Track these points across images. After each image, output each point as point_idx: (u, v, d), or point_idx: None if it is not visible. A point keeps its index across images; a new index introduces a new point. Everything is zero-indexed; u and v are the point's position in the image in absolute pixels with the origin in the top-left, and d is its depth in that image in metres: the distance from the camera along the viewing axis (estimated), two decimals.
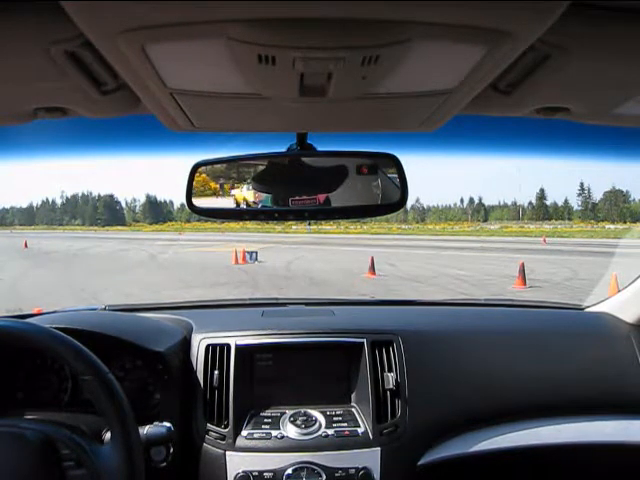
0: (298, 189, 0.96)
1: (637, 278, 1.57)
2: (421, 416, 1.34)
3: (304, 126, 0.87)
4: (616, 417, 1.41)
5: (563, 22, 0.47)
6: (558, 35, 0.52)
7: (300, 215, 0.99)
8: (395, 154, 0.96)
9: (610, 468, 1.46)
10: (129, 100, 0.69)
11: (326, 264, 13.19)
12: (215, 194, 0.99)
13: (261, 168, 0.99)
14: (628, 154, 1.53)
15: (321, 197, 0.96)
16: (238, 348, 1.36)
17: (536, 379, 1.44)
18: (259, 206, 0.99)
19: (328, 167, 0.99)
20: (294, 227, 37.86)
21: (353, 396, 1.37)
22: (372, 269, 10.75)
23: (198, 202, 0.99)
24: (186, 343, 1.40)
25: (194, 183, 0.98)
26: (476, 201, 59.35)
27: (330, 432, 1.28)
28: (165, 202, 60.67)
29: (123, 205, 59.25)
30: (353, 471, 1.24)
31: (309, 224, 38.70)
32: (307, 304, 1.80)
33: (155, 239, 26.34)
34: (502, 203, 57.71)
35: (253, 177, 0.99)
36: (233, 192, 0.98)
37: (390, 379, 1.33)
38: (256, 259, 14.01)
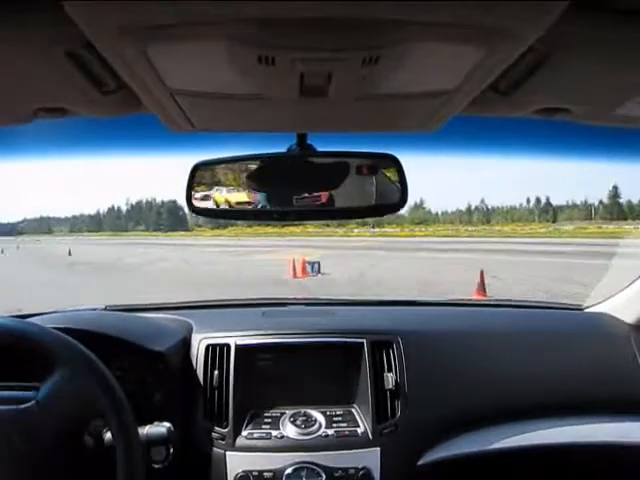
0: (298, 190, 0.96)
1: (637, 278, 1.57)
2: (421, 416, 1.34)
3: (304, 126, 0.87)
4: (616, 417, 1.41)
5: (563, 22, 0.47)
6: (558, 35, 0.51)
7: (300, 215, 0.99)
8: (395, 154, 0.96)
9: (610, 468, 1.46)
10: (130, 100, 0.69)
11: (407, 276, 10.48)
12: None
13: (261, 168, 0.99)
14: None
15: (322, 197, 0.96)
16: (238, 348, 1.36)
17: (536, 379, 1.44)
18: (258, 206, 0.99)
19: (328, 168, 0.99)
20: (356, 230, 35.78)
21: (353, 396, 1.37)
22: (482, 288, 7.67)
23: (198, 203, 0.99)
24: (186, 343, 1.40)
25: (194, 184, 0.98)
26: (543, 201, 55.22)
27: (330, 432, 1.28)
28: None
29: (186, 211, 59.13)
30: (353, 471, 1.23)
31: (373, 227, 36.22)
32: (307, 304, 1.80)
33: (208, 245, 24.33)
34: (571, 203, 53.29)
35: (252, 177, 0.99)
36: (211, 193, 0.99)
37: (390, 379, 1.33)
38: (319, 271, 11.64)
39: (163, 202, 57.21)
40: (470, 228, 43.29)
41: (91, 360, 0.97)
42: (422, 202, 53.89)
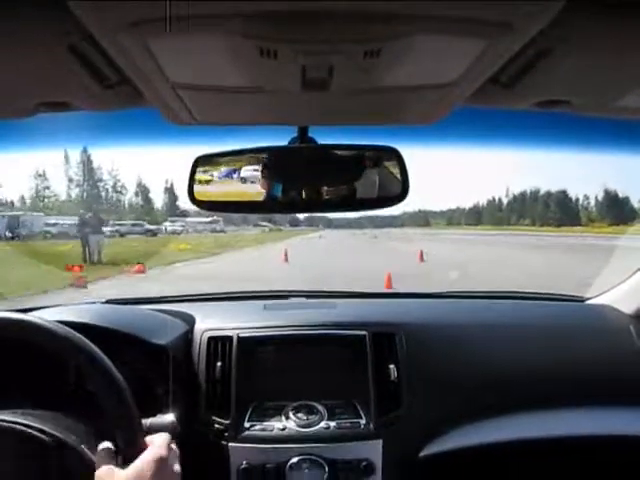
0: (299, 182, 0.96)
1: (637, 270, 1.58)
2: (423, 408, 1.35)
3: (306, 119, 0.87)
4: (616, 408, 1.42)
5: (564, 15, 0.47)
6: (559, 28, 0.51)
7: (301, 207, 0.99)
8: (396, 146, 0.96)
9: (610, 459, 1.47)
10: (131, 94, 0.69)
11: None
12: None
13: (264, 160, 0.99)
14: None
15: (322, 190, 0.96)
16: (240, 341, 1.37)
17: (538, 371, 1.45)
18: (261, 199, 0.99)
19: (330, 160, 0.99)
20: None
21: (355, 388, 1.37)
22: None
23: (200, 196, 0.99)
24: (188, 336, 1.40)
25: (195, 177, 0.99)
26: None
27: (332, 424, 1.28)
28: (624, 198, 45.82)
29: (578, 202, 48.83)
30: (355, 463, 1.24)
31: None
32: (309, 297, 1.80)
33: None
34: None
35: (253, 169, 0.99)
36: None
37: (392, 372, 1.33)
38: None
39: (550, 193, 49.64)
40: None
41: (97, 357, 0.97)
42: None
